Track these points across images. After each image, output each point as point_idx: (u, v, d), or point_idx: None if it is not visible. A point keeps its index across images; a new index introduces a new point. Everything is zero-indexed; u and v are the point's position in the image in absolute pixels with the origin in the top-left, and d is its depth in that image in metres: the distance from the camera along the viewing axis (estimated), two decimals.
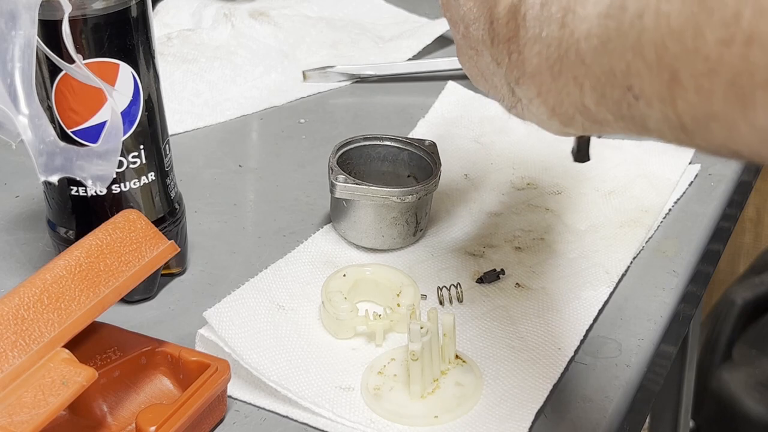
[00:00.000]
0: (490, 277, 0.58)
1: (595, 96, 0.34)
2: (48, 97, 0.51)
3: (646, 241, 0.62)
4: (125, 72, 0.52)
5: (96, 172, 0.48)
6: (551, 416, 0.48)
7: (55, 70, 0.50)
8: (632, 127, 0.33)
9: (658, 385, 0.56)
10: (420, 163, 0.64)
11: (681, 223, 0.64)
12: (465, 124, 0.76)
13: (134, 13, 0.51)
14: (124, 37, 0.51)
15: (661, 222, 0.64)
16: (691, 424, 1.32)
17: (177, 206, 0.59)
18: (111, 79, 0.51)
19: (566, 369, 0.51)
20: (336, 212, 0.62)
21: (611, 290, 0.57)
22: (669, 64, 0.29)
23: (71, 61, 0.48)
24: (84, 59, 0.49)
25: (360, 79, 0.87)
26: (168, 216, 0.58)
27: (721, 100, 0.27)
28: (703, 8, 0.27)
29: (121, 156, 0.53)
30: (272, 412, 0.49)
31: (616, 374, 0.51)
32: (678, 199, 0.66)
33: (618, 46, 0.31)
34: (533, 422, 0.47)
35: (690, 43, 0.28)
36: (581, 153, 0.52)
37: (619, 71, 0.32)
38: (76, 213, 0.55)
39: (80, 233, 0.52)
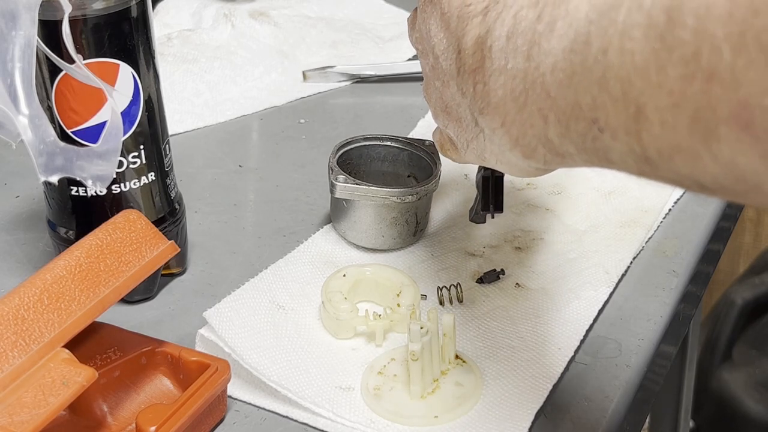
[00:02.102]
0: (490, 277, 0.58)
1: (559, 128, 0.34)
2: (48, 97, 0.51)
3: (646, 241, 0.62)
4: (125, 72, 0.52)
5: (96, 172, 0.48)
6: (551, 416, 0.48)
7: (55, 70, 0.50)
8: (595, 159, 0.34)
9: (658, 385, 0.56)
10: (420, 163, 0.64)
11: (681, 223, 0.64)
12: None
13: (134, 13, 0.51)
14: (124, 37, 0.51)
15: (661, 222, 0.64)
16: (691, 424, 1.32)
17: (177, 206, 0.59)
18: (111, 79, 0.51)
19: (566, 369, 0.51)
20: (336, 212, 0.62)
21: (611, 290, 0.57)
22: (634, 98, 0.29)
23: (71, 61, 0.48)
24: (84, 59, 0.49)
25: (360, 79, 0.87)
26: (168, 216, 0.58)
27: (685, 133, 0.28)
28: (664, 45, 0.28)
29: (121, 156, 0.53)
30: (272, 412, 0.49)
31: (616, 374, 0.51)
32: (678, 199, 0.66)
33: (583, 81, 0.32)
34: (533, 422, 0.47)
35: (654, 78, 0.28)
36: (479, 216, 0.55)
37: (584, 104, 0.32)
38: (76, 213, 0.55)
39: (80, 233, 0.52)
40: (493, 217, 0.55)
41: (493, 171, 0.52)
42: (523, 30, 0.36)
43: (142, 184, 0.55)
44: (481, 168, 0.53)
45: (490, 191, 0.53)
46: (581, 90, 0.32)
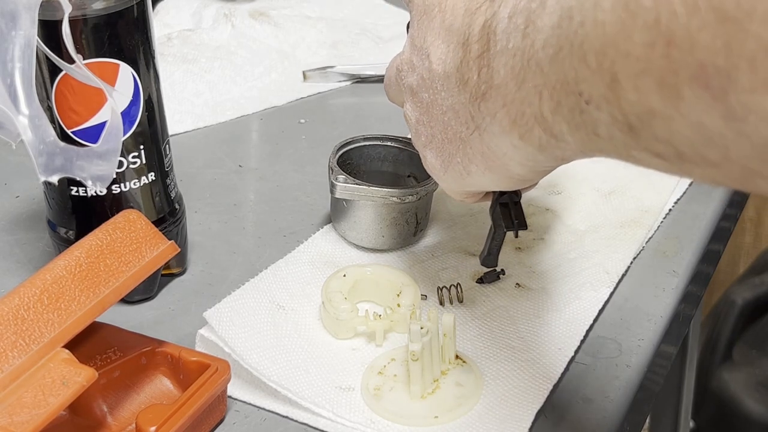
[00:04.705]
0: (490, 277, 0.58)
1: (551, 104, 0.36)
2: (48, 97, 0.51)
3: (646, 241, 0.62)
4: (125, 72, 0.52)
5: (96, 172, 0.48)
6: (551, 416, 0.48)
7: (55, 70, 0.50)
8: (585, 137, 0.35)
9: (658, 385, 0.56)
10: (420, 163, 0.63)
11: (681, 223, 0.64)
12: None
13: (134, 13, 0.51)
14: (124, 37, 0.51)
15: (661, 222, 0.64)
16: (691, 424, 1.32)
17: (177, 206, 0.59)
18: (111, 79, 0.51)
19: (566, 369, 0.51)
20: (336, 212, 0.62)
21: (611, 290, 0.57)
22: (608, 67, 0.31)
23: (71, 61, 0.48)
24: (84, 59, 0.49)
25: (360, 79, 0.87)
26: (168, 216, 0.58)
27: (656, 96, 0.29)
28: (628, 14, 0.29)
29: (121, 156, 0.53)
30: (272, 412, 0.49)
31: (616, 374, 0.51)
32: (678, 199, 0.66)
33: (567, 55, 0.33)
34: (533, 422, 0.47)
35: (622, 47, 0.30)
36: (491, 257, 0.54)
37: (570, 78, 0.33)
38: (76, 213, 0.55)
39: (80, 233, 0.52)
40: (516, 236, 0.55)
41: (510, 197, 0.52)
42: (522, 9, 0.37)
43: (142, 184, 0.55)
44: (494, 203, 0.52)
45: (511, 212, 0.52)
46: (567, 64, 0.33)
